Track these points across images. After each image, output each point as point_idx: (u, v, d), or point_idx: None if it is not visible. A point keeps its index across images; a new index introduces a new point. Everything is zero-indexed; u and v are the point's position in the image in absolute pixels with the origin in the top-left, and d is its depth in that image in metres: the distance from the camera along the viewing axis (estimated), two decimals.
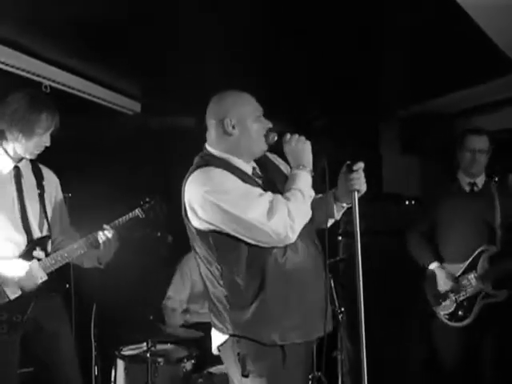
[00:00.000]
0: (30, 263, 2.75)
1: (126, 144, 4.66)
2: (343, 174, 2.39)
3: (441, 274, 3.55)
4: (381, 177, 5.35)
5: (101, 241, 2.87)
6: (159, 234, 4.26)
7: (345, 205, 2.49)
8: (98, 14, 3.04)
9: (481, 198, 3.55)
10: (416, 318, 4.52)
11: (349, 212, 2.46)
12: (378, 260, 4.46)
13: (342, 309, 3.82)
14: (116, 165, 4.45)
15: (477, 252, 3.46)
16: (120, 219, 2.96)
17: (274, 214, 2.18)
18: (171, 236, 4.35)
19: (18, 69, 3.51)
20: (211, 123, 2.41)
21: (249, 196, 2.22)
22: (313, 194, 2.35)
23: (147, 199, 3.03)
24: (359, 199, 2.37)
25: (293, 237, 2.23)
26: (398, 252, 4.60)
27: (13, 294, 2.70)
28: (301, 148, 2.34)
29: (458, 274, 3.52)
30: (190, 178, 2.31)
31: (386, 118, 5.33)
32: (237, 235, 2.24)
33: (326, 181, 2.39)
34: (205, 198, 2.21)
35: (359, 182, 2.34)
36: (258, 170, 2.45)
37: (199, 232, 2.31)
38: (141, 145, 4.72)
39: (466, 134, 3.59)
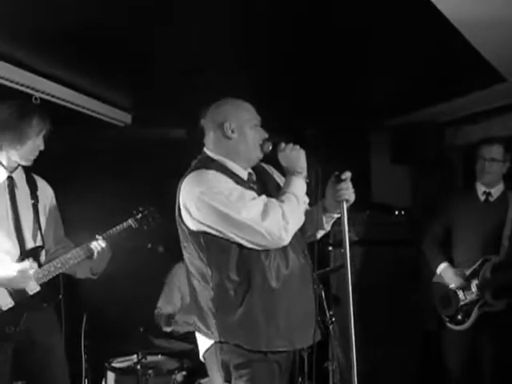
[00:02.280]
0: (22, 263, 2.74)
1: (117, 156, 4.67)
2: (331, 184, 2.42)
3: (449, 273, 3.59)
4: (370, 187, 5.38)
5: (94, 251, 2.87)
6: (150, 245, 4.26)
7: (334, 215, 2.51)
8: (88, 26, 3.05)
9: (494, 208, 3.59)
10: (408, 326, 4.54)
11: (338, 222, 2.47)
12: (368, 270, 4.49)
13: (333, 319, 3.82)
14: (107, 176, 4.46)
15: (480, 260, 3.50)
16: (113, 229, 2.96)
17: (269, 215, 2.21)
18: (162, 247, 4.34)
19: (8, 80, 3.51)
20: (210, 126, 2.46)
21: (243, 197, 2.25)
22: (307, 200, 2.40)
23: (140, 209, 3.04)
24: (348, 209, 2.39)
25: (286, 238, 2.25)
26: (388, 261, 4.64)
27: (5, 304, 2.69)
28: (295, 155, 2.39)
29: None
30: (186, 179, 2.34)
31: (376, 128, 5.36)
32: (230, 236, 2.25)
33: (318, 191, 2.44)
34: (199, 199, 2.24)
35: (348, 192, 2.37)
36: (253, 177, 2.48)
37: (191, 232, 2.33)
38: (131, 156, 4.73)
39: (479, 144, 3.65)
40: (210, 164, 2.36)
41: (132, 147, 4.82)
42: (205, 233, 2.29)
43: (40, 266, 2.84)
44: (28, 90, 3.68)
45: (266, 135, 2.44)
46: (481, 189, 3.65)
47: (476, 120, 4.82)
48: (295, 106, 4.68)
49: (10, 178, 2.84)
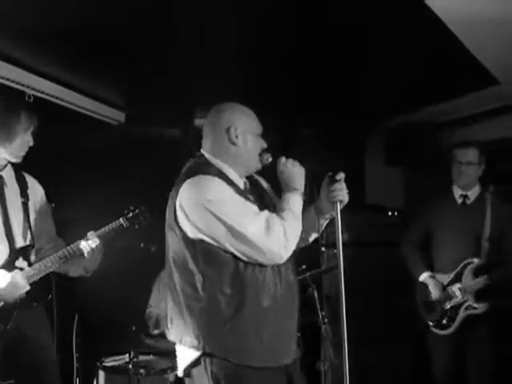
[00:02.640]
0: (12, 274, 2.73)
1: (110, 154, 4.65)
2: (325, 184, 2.40)
3: (430, 284, 3.62)
4: (364, 188, 5.38)
5: (85, 250, 2.85)
6: (143, 245, 4.24)
7: (328, 216, 2.49)
8: (82, 24, 3.04)
9: (471, 210, 3.59)
10: (401, 328, 4.54)
11: (332, 223, 2.46)
12: (361, 271, 4.49)
13: (326, 320, 3.82)
14: (100, 175, 4.44)
15: (462, 264, 3.51)
16: (104, 228, 2.94)
17: (271, 232, 2.19)
18: (155, 247, 4.33)
19: (1, 78, 3.49)
20: (212, 129, 2.40)
21: (247, 211, 2.23)
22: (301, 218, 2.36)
23: (131, 208, 3.02)
24: (342, 210, 2.38)
25: (285, 257, 2.24)
26: (381, 263, 4.64)
27: None
28: (296, 172, 2.35)
29: (445, 284, 3.58)
30: (187, 184, 2.25)
31: (370, 130, 5.37)
32: (229, 248, 2.20)
33: (313, 192, 2.42)
34: (204, 207, 2.18)
35: (342, 192, 2.35)
36: (247, 186, 2.44)
37: (187, 239, 2.25)
38: (125, 155, 4.72)
39: (454, 147, 3.66)
40: (209, 169, 2.30)
41: (125, 146, 4.81)
42: (201, 241, 2.22)
43: (30, 264, 2.82)
44: (21, 88, 3.66)
45: (265, 146, 2.41)
46: (457, 192, 3.66)
47: (471, 122, 4.84)
48: (292, 106, 4.68)
49: None
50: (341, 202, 2.36)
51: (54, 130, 2.88)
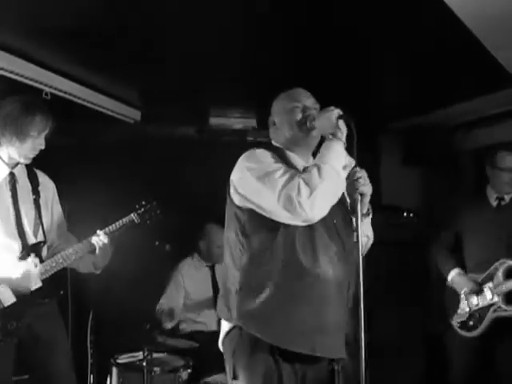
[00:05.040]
0: (26, 263, 2.74)
1: (126, 152, 4.67)
2: (347, 179, 2.26)
3: (461, 279, 3.57)
4: (380, 188, 5.35)
5: (97, 245, 2.86)
6: (157, 243, 4.25)
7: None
8: (101, 23, 3.06)
9: (506, 212, 3.57)
10: (416, 327, 4.52)
11: None
12: (376, 271, 4.46)
13: None
14: (116, 172, 4.46)
15: (495, 264, 3.47)
16: (115, 224, 2.94)
17: (287, 186, 2.13)
18: (169, 245, 4.34)
19: (19, 75, 3.52)
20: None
21: (270, 168, 2.22)
22: (342, 163, 2.22)
23: (143, 203, 3.02)
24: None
25: (308, 215, 2.11)
26: (398, 263, 4.61)
27: (7, 301, 2.69)
28: (324, 117, 2.30)
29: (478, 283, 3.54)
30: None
31: (386, 130, 5.34)
32: (257, 209, 2.21)
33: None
34: (244, 171, 2.26)
35: (365, 183, 2.23)
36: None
37: (237, 208, 2.30)
38: (140, 153, 4.74)
39: (499, 152, 3.59)
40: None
41: (141, 144, 4.83)
42: (247, 210, 2.26)
43: (42, 261, 2.83)
44: (39, 86, 3.69)
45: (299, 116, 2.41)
46: (493, 195, 3.63)
47: (487, 123, 4.79)
48: None
49: (11, 174, 2.83)
50: (362, 194, 2.22)
51: (70, 128, 2.88)
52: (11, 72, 3.47)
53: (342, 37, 3.23)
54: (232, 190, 2.31)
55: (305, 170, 2.26)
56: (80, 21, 3.01)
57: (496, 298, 3.43)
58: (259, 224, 2.24)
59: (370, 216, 2.46)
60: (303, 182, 2.11)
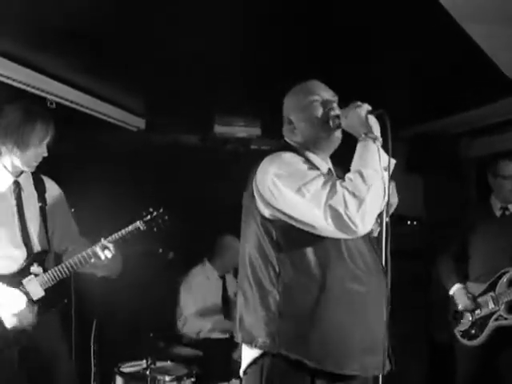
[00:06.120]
0: (23, 298, 2.71)
1: (130, 160, 4.68)
2: None
3: (460, 294, 3.57)
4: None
5: (102, 256, 2.83)
6: (161, 250, 4.26)
7: None
8: (104, 30, 3.07)
9: (511, 221, 3.57)
10: (420, 338, 4.50)
11: None
12: None
13: None
14: (120, 181, 4.47)
15: (499, 273, 3.47)
16: (121, 232, 2.90)
17: (331, 195, 1.89)
18: (172, 253, 4.34)
19: (24, 84, 3.54)
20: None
21: (306, 177, 1.96)
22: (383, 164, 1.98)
23: (150, 210, 2.98)
24: None
25: (359, 229, 1.88)
26: (401, 271, 4.59)
27: (10, 324, 2.67)
28: (354, 114, 2.08)
29: (480, 293, 3.53)
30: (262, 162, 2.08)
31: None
32: (291, 221, 1.97)
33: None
34: (271, 180, 2.00)
35: (392, 193, 2.11)
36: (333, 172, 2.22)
37: (264, 219, 2.04)
38: (144, 161, 4.75)
39: (502, 161, 3.59)
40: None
41: (145, 152, 4.84)
42: (278, 221, 2.01)
43: (45, 270, 2.80)
44: (43, 94, 3.70)
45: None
46: (497, 205, 3.63)
47: (491, 132, 4.79)
48: None
49: (16, 183, 2.82)
50: (389, 205, 2.03)
51: (75, 136, 2.88)
52: (15, 80, 3.48)
53: (346, 46, 3.24)
54: (259, 202, 2.05)
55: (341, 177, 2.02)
56: (85, 29, 3.02)
57: (497, 307, 3.43)
58: (296, 238, 2.00)
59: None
60: (348, 193, 1.87)
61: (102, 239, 2.87)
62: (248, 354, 2.07)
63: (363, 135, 2.01)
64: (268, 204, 2.02)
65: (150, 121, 4.91)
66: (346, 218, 1.85)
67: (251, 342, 2.03)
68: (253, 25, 2.97)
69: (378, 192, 1.92)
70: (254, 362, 2.03)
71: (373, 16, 2.84)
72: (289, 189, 1.95)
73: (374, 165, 1.95)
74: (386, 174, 1.97)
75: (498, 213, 3.62)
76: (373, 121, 2.04)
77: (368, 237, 2.12)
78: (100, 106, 4.27)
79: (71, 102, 3.95)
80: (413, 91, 4.14)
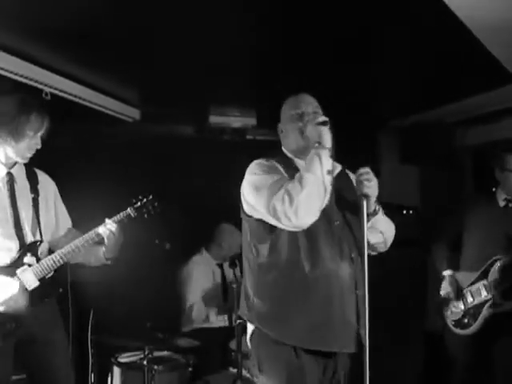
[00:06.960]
0: (15, 284, 2.72)
1: (125, 151, 4.67)
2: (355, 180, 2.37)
3: (445, 281, 3.61)
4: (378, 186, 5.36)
5: (104, 235, 2.84)
6: (157, 241, 4.26)
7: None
8: (99, 22, 3.06)
9: None
10: (416, 328, 4.52)
11: None
12: (375, 269, 4.47)
13: None
14: (115, 171, 4.47)
15: (490, 261, 3.47)
16: (113, 218, 2.90)
17: (275, 194, 2.26)
18: (169, 244, 4.35)
19: (18, 75, 3.52)
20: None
21: (264, 180, 2.36)
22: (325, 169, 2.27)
23: (139, 197, 2.99)
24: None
25: (294, 222, 2.22)
26: (397, 261, 4.61)
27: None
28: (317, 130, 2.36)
29: (472, 281, 3.53)
30: None
31: (385, 128, 5.34)
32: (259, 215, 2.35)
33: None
34: (245, 181, 2.43)
35: (370, 185, 2.32)
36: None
37: (246, 216, 2.46)
38: (140, 152, 4.74)
39: (510, 155, 3.55)
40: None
41: (140, 143, 4.83)
42: (251, 216, 2.41)
43: (38, 260, 2.81)
44: (39, 85, 3.69)
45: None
46: (502, 196, 3.61)
47: (486, 121, 4.79)
48: None
49: (9, 174, 2.82)
50: (366, 196, 2.31)
51: (70, 127, 2.87)
52: (11, 72, 3.47)
53: (341, 35, 3.24)
54: (242, 198, 2.45)
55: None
56: (79, 21, 3.01)
57: (491, 295, 3.44)
58: (264, 230, 2.38)
59: (380, 214, 2.54)
60: (286, 192, 2.22)
61: (106, 220, 2.89)
62: (249, 326, 2.48)
63: (316, 144, 2.33)
64: (245, 200, 2.42)
65: (146, 111, 4.90)
66: (281, 212, 2.21)
67: (242, 315, 2.49)
68: (248, 15, 2.96)
69: (313, 193, 2.22)
70: (252, 333, 2.44)
71: (368, 4, 2.83)
72: (251, 188, 2.36)
73: (314, 170, 2.25)
74: (328, 177, 2.27)
75: (502, 203, 3.61)
76: (325, 131, 2.32)
77: (341, 232, 2.42)
78: (95, 97, 4.26)
79: (66, 92, 3.93)
80: (408, 81, 4.14)
